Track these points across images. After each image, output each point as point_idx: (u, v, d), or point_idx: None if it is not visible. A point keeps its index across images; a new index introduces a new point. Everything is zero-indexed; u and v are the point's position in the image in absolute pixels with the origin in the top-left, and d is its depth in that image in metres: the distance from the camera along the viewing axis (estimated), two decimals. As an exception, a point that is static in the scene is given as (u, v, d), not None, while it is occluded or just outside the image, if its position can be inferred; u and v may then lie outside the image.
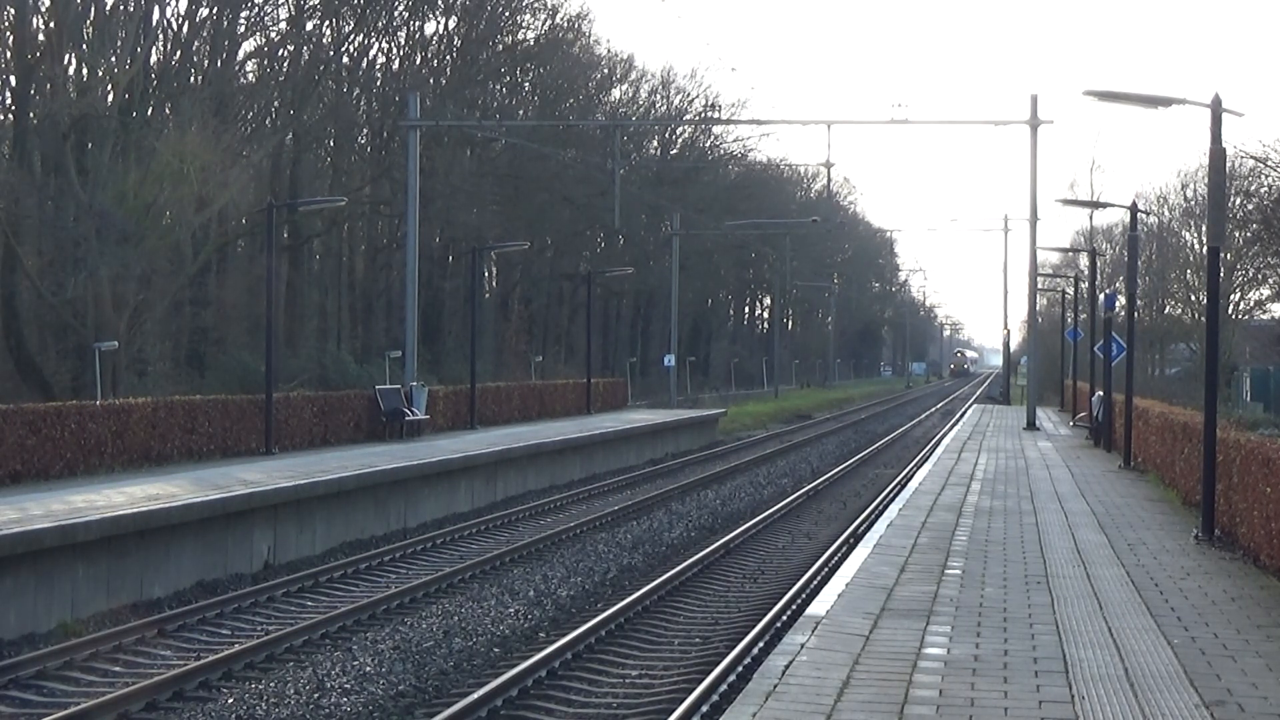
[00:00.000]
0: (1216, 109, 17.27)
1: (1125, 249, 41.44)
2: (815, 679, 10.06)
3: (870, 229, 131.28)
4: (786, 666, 10.42)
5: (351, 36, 53.45)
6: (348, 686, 13.61)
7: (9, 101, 38.67)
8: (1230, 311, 62.53)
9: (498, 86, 64.58)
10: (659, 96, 79.37)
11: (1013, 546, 16.86)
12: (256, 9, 47.93)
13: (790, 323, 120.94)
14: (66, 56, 38.79)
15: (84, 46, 39.24)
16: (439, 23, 58.59)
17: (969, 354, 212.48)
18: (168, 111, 41.76)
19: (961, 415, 61.42)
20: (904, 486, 26.82)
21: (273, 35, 49.92)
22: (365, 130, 57.07)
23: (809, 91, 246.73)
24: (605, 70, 74.73)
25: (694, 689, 13.07)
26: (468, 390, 38.69)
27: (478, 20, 59.28)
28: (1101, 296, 36.37)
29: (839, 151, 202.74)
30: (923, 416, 70.67)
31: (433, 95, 54.54)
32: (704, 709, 12.56)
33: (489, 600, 18.08)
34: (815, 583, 18.40)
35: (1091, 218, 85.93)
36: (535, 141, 57.06)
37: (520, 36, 62.84)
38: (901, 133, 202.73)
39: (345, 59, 53.94)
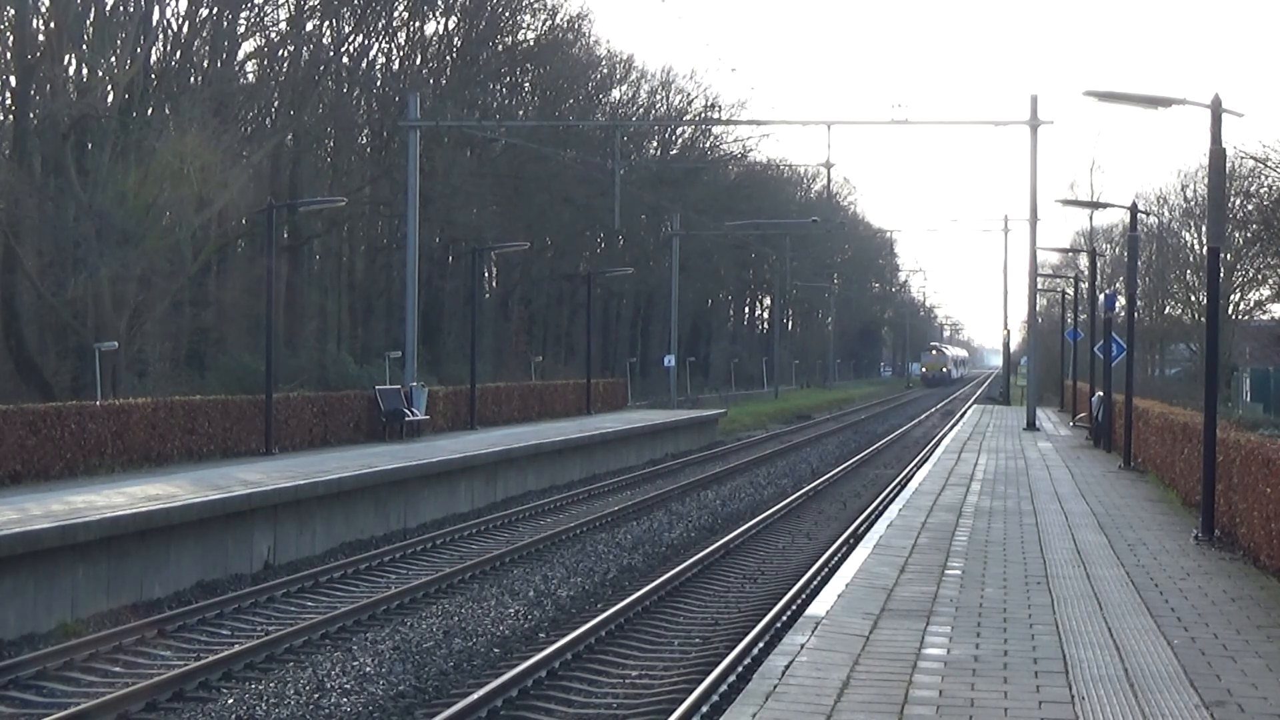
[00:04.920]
0: (1216, 109, 17.27)
1: (1125, 249, 41.45)
2: (815, 679, 10.06)
3: (870, 229, 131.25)
4: (786, 667, 10.42)
5: (351, 37, 53.49)
6: (348, 687, 13.61)
7: (9, 101, 38.67)
8: (1230, 312, 62.53)
9: (498, 86, 64.62)
10: (659, 97, 79.47)
11: (1013, 547, 16.86)
12: (256, 9, 47.96)
13: (790, 323, 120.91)
14: (66, 56, 38.78)
15: (84, 46, 39.22)
16: (439, 23, 58.70)
17: (952, 352, 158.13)
18: (168, 112, 41.74)
19: (961, 416, 61.43)
20: (904, 487, 26.83)
21: (273, 35, 49.98)
22: (365, 130, 57.07)
23: (809, 91, 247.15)
24: (605, 70, 74.81)
25: (694, 689, 13.07)
26: (468, 390, 38.68)
27: (478, 20, 59.31)
28: (1101, 297, 36.37)
29: (839, 152, 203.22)
30: (922, 417, 70.67)
31: (433, 95, 54.55)
32: (704, 709, 12.56)
33: (489, 600, 18.08)
34: (815, 583, 18.40)
35: (1091, 218, 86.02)
36: (535, 142, 57.08)
37: (520, 37, 62.93)
38: (901, 133, 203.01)
39: (345, 59, 53.96)
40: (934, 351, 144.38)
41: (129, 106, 39.18)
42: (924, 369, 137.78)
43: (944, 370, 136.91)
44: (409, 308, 39.76)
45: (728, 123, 78.35)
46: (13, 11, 36.95)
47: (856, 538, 22.09)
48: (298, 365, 45.36)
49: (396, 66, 58.09)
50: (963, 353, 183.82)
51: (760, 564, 21.57)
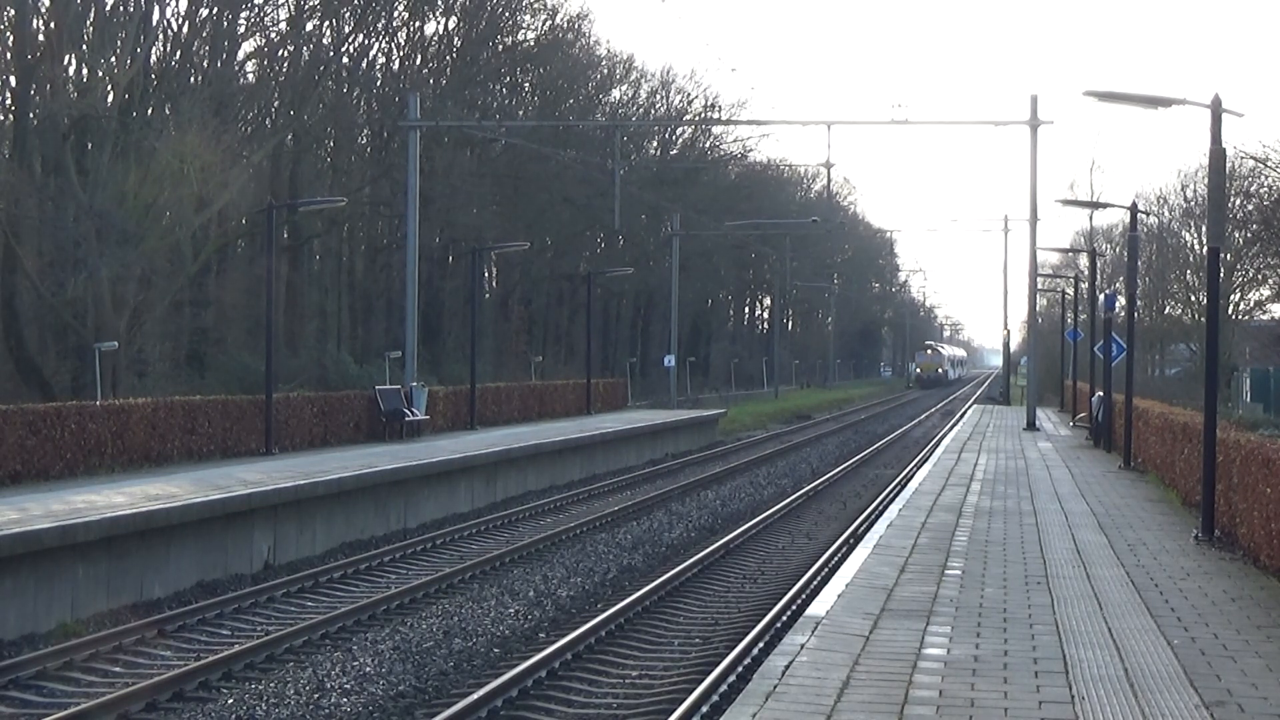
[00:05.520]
0: (1216, 109, 17.26)
1: (1125, 249, 41.45)
2: (815, 679, 10.06)
3: (870, 229, 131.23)
4: (786, 667, 10.42)
5: (351, 37, 53.48)
6: (348, 687, 13.60)
7: (9, 101, 38.67)
8: (1230, 312, 62.50)
9: (498, 86, 64.61)
10: (659, 97, 79.41)
11: (1013, 547, 16.86)
12: (256, 9, 47.96)
13: (790, 323, 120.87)
14: (66, 56, 38.77)
15: (84, 46, 39.22)
16: (439, 23, 58.70)
17: (949, 351, 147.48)
18: (168, 112, 41.73)
19: (961, 416, 61.43)
20: (904, 487, 26.83)
21: (273, 35, 49.97)
22: (365, 130, 57.08)
23: (809, 91, 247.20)
24: (605, 70, 74.77)
25: (694, 689, 13.07)
26: (468, 390, 38.69)
27: (478, 20, 59.30)
28: (1101, 297, 36.37)
29: (839, 151, 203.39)
30: (922, 417, 70.66)
31: (433, 95, 54.55)
32: (704, 709, 12.56)
33: (489, 601, 18.07)
34: (815, 583, 18.40)
35: (1091, 218, 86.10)
36: (535, 142, 57.06)
37: (520, 37, 62.93)
38: (901, 133, 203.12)
39: (345, 59, 53.94)
40: (929, 351, 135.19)
41: (129, 106, 39.17)
42: (918, 369, 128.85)
43: (940, 371, 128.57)
44: (409, 308, 39.76)
45: (728, 123, 78.36)
46: (13, 11, 36.94)
47: (856, 538, 22.09)
48: (298, 365, 45.35)
49: (396, 66, 58.11)
50: (961, 352, 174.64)
51: (760, 564, 21.56)
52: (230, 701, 13.08)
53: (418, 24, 57.71)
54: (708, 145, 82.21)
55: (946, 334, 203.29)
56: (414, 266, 40.08)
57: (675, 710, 12.38)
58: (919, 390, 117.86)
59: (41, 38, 37.86)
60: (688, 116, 77.74)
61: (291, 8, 49.60)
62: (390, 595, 17.91)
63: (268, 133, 48.13)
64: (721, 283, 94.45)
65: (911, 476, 29.67)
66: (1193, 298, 69.10)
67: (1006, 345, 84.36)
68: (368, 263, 58.28)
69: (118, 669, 14.52)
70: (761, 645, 15.01)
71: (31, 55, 37.24)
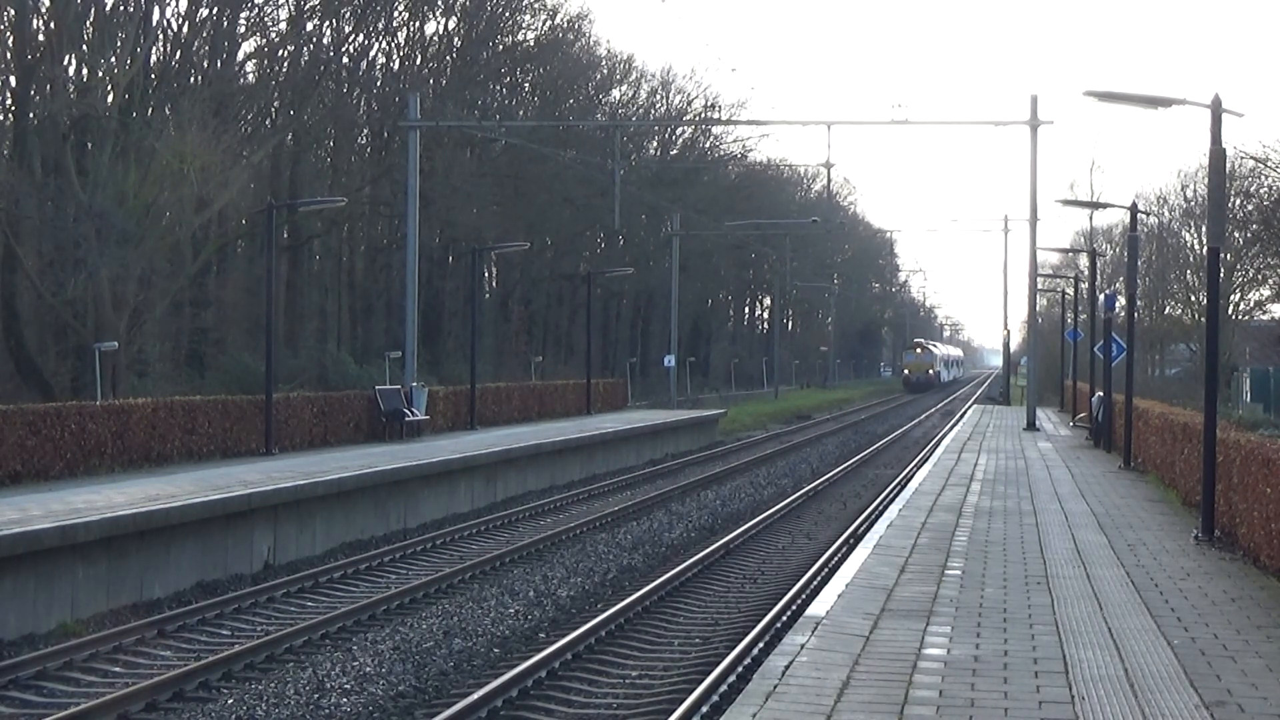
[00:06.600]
0: (1216, 109, 17.26)
1: (1125, 249, 41.44)
2: (815, 679, 10.05)
3: (870, 229, 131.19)
4: (786, 667, 10.42)
5: (351, 37, 53.53)
6: (348, 687, 13.60)
7: (9, 101, 38.66)
8: (1230, 312, 62.51)
9: (498, 87, 64.65)
10: (659, 97, 79.44)
11: (1013, 547, 16.85)
12: (256, 9, 47.99)
13: (790, 323, 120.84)
14: (66, 56, 38.78)
15: (84, 46, 39.23)
16: (439, 23, 58.77)
17: (941, 351, 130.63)
18: (168, 112, 41.73)
19: (961, 416, 61.42)
20: (904, 487, 26.82)
21: (273, 35, 49.99)
22: (365, 130, 57.10)
23: (809, 91, 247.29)
24: (605, 70, 74.81)
25: (694, 689, 13.07)
26: (468, 391, 38.68)
27: (478, 20, 59.35)
28: (1101, 297, 36.38)
29: (839, 152, 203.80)
30: (922, 417, 70.65)
31: (433, 95, 54.57)
32: (704, 709, 12.56)
33: (489, 601, 18.07)
34: (815, 583, 18.39)
35: (1091, 218, 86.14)
36: (535, 142, 57.07)
37: (520, 37, 63.00)
38: (901, 133, 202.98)
39: (345, 59, 53.98)
40: (918, 350, 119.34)
41: (129, 106, 39.17)
42: (906, 370, 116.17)
43: (931, 372, 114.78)
44: (409, 308, 39.75)
45: (728, 123, 78.37)
46: (13, 11, 36.94)
47: (856, 538, 22.08)
48: (298, 365, 45.36)
49: (396, 66, 58.14)
50: (956, 351, 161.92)
51: (760, 564, 21.56)
52: (230, 701, 13.08)
53: (418, 24, 57.80)
54: (708, 145, 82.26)
55: (946, 334, 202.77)
56: (414, 266, 40.09)
57: (675, 710, 12.37)
58: (910, 394, 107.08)
59: (41, 38, 37.87)
60: (688, 116, 77.75)
61: (291, 8, 49.69)
62: (390, 595, 17.90)
63: (268, 133, 48.14)
64: (721, 283, 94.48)
65: (911, 477, 29.66)
66: (1193, 298, 69.11)
67: (1006, 345, 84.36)
68: (368, 263, 58.30)
69: (118, 669, 14.52)
70: (761, 645, 15.00)
71: (31, 55, 37.24)
